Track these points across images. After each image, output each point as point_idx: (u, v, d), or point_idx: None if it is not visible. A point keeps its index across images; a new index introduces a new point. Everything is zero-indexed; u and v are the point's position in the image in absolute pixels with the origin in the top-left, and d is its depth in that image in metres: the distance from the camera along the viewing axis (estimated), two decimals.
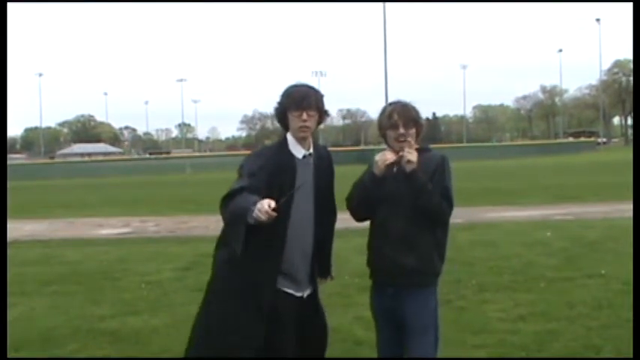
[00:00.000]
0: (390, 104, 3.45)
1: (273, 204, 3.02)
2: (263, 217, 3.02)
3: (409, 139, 3.33)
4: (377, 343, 3.54)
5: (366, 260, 3.49)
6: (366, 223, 3.50)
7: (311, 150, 3.47)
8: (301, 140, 3.43)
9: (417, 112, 3.40)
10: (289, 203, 3.29)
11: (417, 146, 3.33)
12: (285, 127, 3.46)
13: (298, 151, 3.43)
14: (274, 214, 3.02)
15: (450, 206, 3.29)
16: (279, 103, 3.46)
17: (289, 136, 3.45)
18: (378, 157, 3.31)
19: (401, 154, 3.27)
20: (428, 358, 3.34)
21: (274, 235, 3.31)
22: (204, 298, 3.51)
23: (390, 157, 3.29)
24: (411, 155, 3.24)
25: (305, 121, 3.36)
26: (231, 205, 3.20)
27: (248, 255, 3.23)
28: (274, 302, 3.37)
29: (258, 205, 3.02)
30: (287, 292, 3.44)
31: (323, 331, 3.63)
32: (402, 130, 3.31)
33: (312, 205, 3.46)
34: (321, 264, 3.62)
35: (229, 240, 3.26)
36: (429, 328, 3.35)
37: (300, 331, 3.46)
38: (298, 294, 3.47)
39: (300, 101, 3.37)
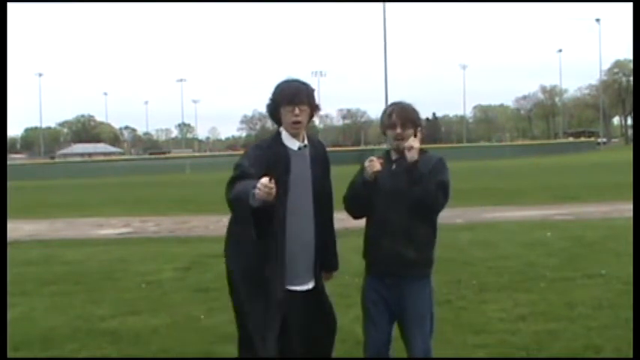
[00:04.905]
0: (392, 104, 3.60)
1: (272, 181, 3.05)
2: (263, 193, 3.02)
3: (415, 140, 3.44)
4: (363, 332, 3.61)
5: (362, 252, 3.59)
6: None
7: (305, 142, 3.54)
8: (294, 134, 3.50)
9: (416, 114, 3.55)
10: (285, 192, 3.36)
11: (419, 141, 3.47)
12: (278, 122, 3.53)
13: (293, 143, 3.50)
14: (273, 187, 3.02)
15: (445, 197, 3.42)
16: (272, 100, 3.53)
17: (283, 130, 3.51)
18: (367, 163, 3.45)
19: (404, 146, 3.39)
20: (426, 358, 3.49)
21: (273, 227, 3.36)
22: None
23: (378, 166, 3.43)
24: (414, 142, 3.38)
25: (297, 115, 3.45)
26: (233, 192, 3.24)
27: (251, 247, 3.34)
28: (284, 299, 3.41)
29: (257, 184, 3.05)
30: (291, 290, 3.46)
31: (330, 325, 3.64)
32: (399, 130, 3.46)
33: (311, 196, 3.51)
34: (326, 256, 3.64)
35: (240, 222, 3.33)
36: (426, 318, 3.51)
37: (305, 327, 3.48)
38: (302, 288, 3.50)
39: (292, 97, 3.45)
